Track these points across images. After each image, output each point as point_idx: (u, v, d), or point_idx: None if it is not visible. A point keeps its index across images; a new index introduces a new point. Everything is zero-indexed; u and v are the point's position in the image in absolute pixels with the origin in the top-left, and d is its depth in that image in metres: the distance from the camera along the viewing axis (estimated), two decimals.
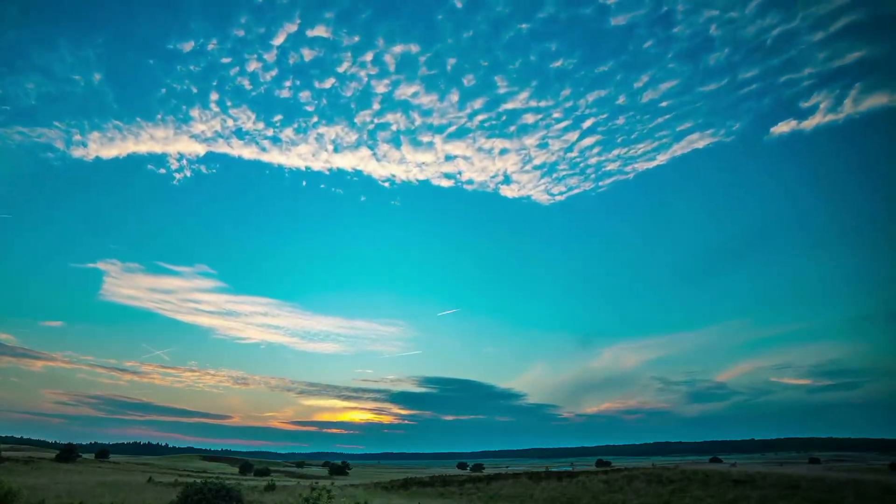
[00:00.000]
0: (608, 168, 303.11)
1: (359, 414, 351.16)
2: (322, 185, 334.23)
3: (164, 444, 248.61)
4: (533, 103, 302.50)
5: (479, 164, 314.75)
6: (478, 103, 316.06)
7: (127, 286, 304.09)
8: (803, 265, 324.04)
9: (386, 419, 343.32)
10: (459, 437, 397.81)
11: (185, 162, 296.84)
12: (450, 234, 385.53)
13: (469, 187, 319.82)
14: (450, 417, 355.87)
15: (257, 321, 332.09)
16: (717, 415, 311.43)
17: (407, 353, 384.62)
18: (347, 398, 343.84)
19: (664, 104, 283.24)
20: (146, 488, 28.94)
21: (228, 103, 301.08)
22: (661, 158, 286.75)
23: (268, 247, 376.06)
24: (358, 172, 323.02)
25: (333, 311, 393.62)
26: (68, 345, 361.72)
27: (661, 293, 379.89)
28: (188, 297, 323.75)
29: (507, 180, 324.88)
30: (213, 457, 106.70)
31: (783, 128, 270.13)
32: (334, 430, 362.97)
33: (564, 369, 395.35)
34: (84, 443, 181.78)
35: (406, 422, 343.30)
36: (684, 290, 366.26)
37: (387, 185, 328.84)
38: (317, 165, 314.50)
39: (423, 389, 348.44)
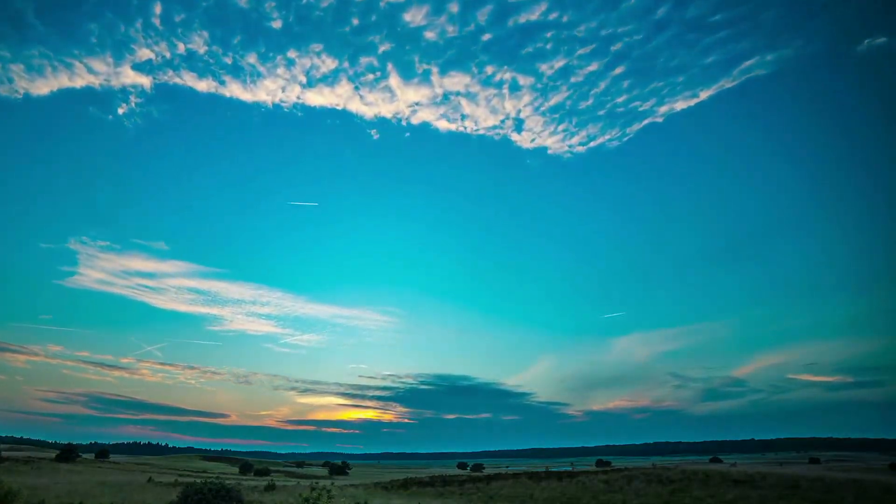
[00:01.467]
0: (641, 106, 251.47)
1: (357, 412, 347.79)
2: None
3: (163, 444, 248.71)
4: (553, 16, 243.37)
5: (483, 101, 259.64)
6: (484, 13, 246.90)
7: (101, 270, 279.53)
8: (840, 249, 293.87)
9: (385, 417, 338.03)
10: (461, 437, 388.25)
11: (133, 103, 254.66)
12: (446, 202, 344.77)
13: (471, 131, 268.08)
14: (451, 416, 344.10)
15: (246, 310, 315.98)
16: (731, 413, 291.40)
17: (402, 346, 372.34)
18: (344, 395, 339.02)
19: (716, 18, 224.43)
20: (146, 488, 28.95)
21: (177, 18, 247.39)
22: (704, 94, 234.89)
23: (236, 219, 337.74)
24: (340, 112, 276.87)
25: (325, 297, 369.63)
26: (51, 338, 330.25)
27: (684, 277, 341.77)
28: (172, 283, 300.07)
29: (518, 126, 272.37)
30: (213, 457, 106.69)
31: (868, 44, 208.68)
32: (333, 430, 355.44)
33: (572, 363, 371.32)
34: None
35: (406, 420, 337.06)
36: (710, 272, 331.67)
37: (375, 134, 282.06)
38: (289, 100, 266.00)
39: (422, 387, 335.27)
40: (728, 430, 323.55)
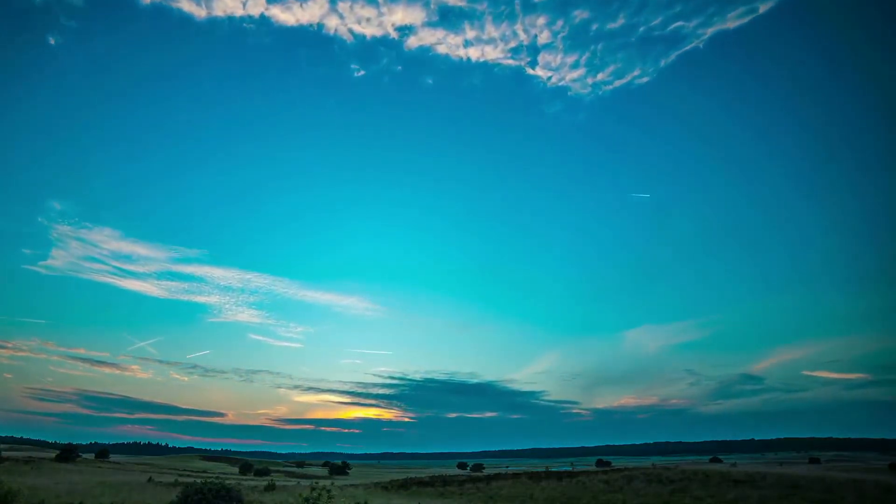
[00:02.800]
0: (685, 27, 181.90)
1: (356, 411, 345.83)
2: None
3: (163, 444, 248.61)
4: None
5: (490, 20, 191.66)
6: None
7: (79, 250, 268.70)
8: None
9: (385, 415, 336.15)
10: (462, 437, 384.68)
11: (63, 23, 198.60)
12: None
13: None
14: (452, 415, 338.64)
15: (235, 298, 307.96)
16: (742, 412, 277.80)
17: (402, 342, 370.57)
18: (343, 393, 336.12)
19: None
20: (146, 488, 28.96)
21: None
22: (764, 7, 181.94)
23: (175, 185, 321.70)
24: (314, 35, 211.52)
25: (319, 285, 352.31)
26: (32, 332, 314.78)
27: (702, 263, 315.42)
28: (161, 268, 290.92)
29: (533, 57, 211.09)
30: (213, 457, 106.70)
31: None
32: (332, 429, 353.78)
33: (581, 357, 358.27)
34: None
35: (406, 419, 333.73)
36: (730, 258, 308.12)
37: (360, 72, 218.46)
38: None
39: (423, 384, 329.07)
40: (739, 430, 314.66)
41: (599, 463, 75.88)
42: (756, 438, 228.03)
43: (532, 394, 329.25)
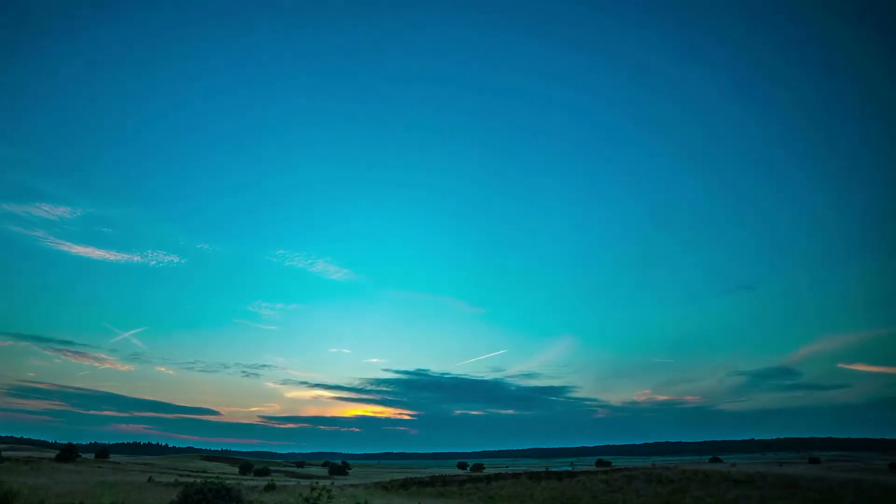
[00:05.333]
0: None
1: (356, 409, 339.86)
2: None
3: (163, 444, 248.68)
4: None
5: None
6: None
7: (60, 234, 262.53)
8: None
9: (384, 414, 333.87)
10: (463, 436, 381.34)
11: None
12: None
13: None
14: (457, 413, 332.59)
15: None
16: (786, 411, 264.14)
17: (401, 339, 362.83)
18: (341, 389, 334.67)
19: None
20: (146, 488, 28.95)
21: None
22: None
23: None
24: None
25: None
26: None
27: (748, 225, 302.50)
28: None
29: None
30: (213, 456, 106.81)
31: None
32: (331, 427, 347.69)
33: (596, 343, 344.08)
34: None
35: (405, 416, 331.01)
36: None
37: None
38: None
39: (424, 382, 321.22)
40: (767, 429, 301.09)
41: (599, 463, 75.83)
42: (756, 438, 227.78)
43: (556, 389, 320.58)
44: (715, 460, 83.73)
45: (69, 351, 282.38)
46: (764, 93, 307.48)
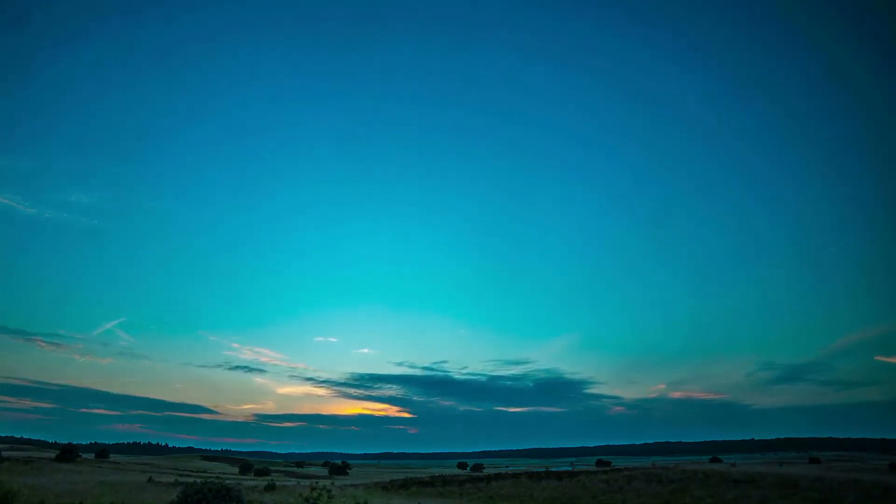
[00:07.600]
0: None
1: (356, 408, 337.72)
2: None
3: (163, 444, 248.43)
4: None
5: None
6: None
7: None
8: None
9: (382, 411, 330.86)
10: (463, 436, 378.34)
11: None
12: None
13: None
14: (460, 411, 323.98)
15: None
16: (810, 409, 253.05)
17: (400, 336, 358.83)
18: (336, 386, 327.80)
19: None
20: (146, 488, 28.94)
21: None
22: None
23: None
24: None
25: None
26: None
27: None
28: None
29: None
30: (213, 456, 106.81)
31: None
32: (328, 426, 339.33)
33: (609, 334, 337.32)
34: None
35: (405, 414, 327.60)
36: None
37: None
38: None
39: (423, 375, 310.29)
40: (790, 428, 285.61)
41: (599, 463, 75.84)
42: (756, 438, 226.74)
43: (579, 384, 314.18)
44: (715, 460, 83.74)
45: (43, 342, 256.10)
46: (774, 90, 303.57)
